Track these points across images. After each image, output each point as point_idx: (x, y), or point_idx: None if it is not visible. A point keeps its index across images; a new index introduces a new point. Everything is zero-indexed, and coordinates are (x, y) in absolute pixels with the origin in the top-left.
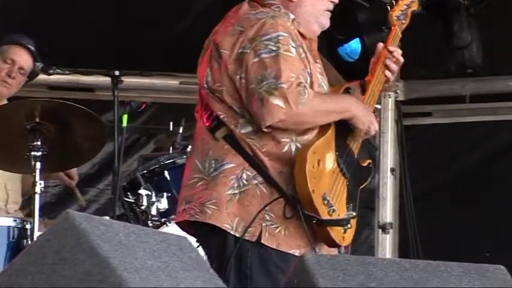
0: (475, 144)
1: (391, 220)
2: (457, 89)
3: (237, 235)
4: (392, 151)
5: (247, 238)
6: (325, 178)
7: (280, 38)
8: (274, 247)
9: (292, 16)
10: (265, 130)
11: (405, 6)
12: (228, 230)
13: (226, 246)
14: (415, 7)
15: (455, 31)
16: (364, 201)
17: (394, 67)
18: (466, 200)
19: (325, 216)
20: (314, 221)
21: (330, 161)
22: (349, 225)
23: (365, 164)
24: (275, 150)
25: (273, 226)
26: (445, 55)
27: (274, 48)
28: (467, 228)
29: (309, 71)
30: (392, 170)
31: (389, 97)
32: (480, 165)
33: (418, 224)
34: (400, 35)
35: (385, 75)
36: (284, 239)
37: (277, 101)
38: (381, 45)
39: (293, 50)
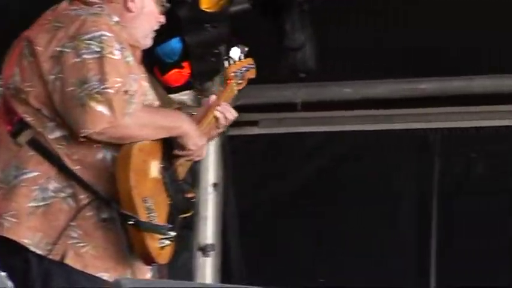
0: (307, 157)
1: (213, 241)
2: (287, 96)
3: (39, 252)
4: (214, 164)
5: (51, 257)
6: (148, 182)
7: (103, 38)
8: (80, 269)
9: (116, 18)
10: (82, 140)
11: (244, 68)
12: (28, 246)
13: (29, 266)
14: (252, 75)
15: (286, 31)
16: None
17: (222, 123)
18: (298, 218)
19: (143, 219)
20: (131, 222)
21: (154, 168)
22: (167, 241)
23: (189, 195)
24: (88, 158)
25: (80, 244)
26: (274, 57)
27: (97, 49)
28: (300, 248)
29: (135, 77)
30: (214, 185)
31: None
32: (312, 179)
33: (244, 245)
34: (236, 92)
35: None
36: (91, 260)
37: (100, 108)
38: (214, 96)
39: (117, 52)
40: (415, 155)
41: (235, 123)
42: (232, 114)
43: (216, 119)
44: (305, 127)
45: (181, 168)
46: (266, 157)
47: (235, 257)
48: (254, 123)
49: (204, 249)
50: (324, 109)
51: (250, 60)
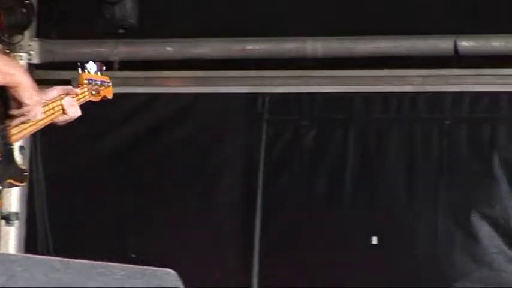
0: (124, 120)
1: (17, 210)
2: (104, 53)
3: None
4: None
5: None
6: None
7: None
8: None
9: None
10: None
11: (98, 81)
12: None
13: None
14: (108, 94)
15: None
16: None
17: (65, 116)
18: (112, 185)
19: None
20: None
21: None
22: None
23: (23, 167)
24: None
25: None
26: (90, 11)
27: None
28: (112, 218)
29: None
30: (21, 148)
31: (21, 59)
32: (129, 144)
33: (51, 214)
34: (87, 99)
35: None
36: None
37: None
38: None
39: None
40: (242, 121)
41: (45, 82)
42: (75, 113)
43: (62, 108)
44: (123, 87)
45: (15, 131)
46: (79, 119)
47: (42, 226)
48: (67, 82)
49: (8, 218)
50: (144, 69)
51: (106, 78)
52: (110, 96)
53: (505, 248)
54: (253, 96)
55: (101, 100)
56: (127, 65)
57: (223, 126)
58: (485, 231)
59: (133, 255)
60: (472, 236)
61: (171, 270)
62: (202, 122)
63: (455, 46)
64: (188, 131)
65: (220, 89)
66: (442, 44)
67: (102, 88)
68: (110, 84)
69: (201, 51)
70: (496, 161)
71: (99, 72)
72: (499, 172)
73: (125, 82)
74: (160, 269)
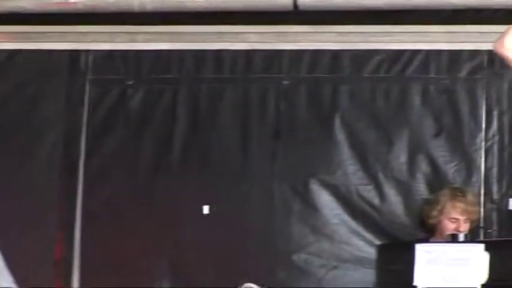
0: None
1: None
2: None
3: None
4: None
5: None
6: None
7: None
8: None
9: None
10: None
11: None
12: None
13: None
14: None
15: None
16: None
17: None
18: None
19: None
20: None
21: None
22: None
23: None
24: None
25: None
26: None
27: None
28: None
29: None
30: None
31: None
32: None
33: None
34: None
35: None
36: None
37: None
38: None
39: None
40: (64, 79)
41: None
42: None
43: None
44: None
45: None
46: None
47: None
48: None
49: None
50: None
51: None
52: None
53: (346, 218)
54: (76, 53)
55: None
56: None
57: (43, 85)
58: (325, 200)
59: None
60: (311, 205)
61: None
62: (20, 80)
63: (294, 1)
64: (4, 90)
65: (40, 45)
66: None
67: None
68: None
69: (18, 4)
70: (337, 124)
71: None
72: (340, 136)
73: None
74: None
